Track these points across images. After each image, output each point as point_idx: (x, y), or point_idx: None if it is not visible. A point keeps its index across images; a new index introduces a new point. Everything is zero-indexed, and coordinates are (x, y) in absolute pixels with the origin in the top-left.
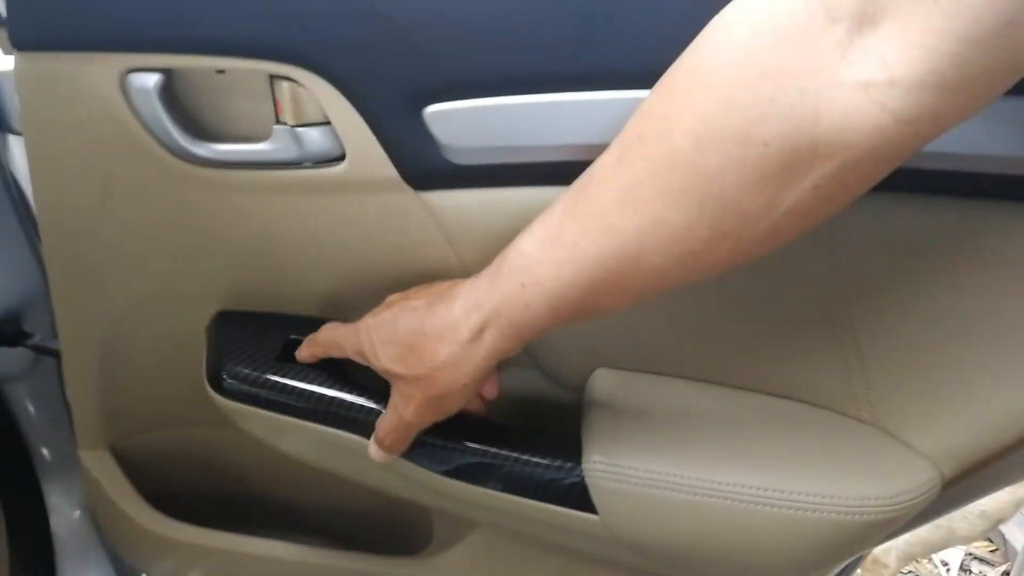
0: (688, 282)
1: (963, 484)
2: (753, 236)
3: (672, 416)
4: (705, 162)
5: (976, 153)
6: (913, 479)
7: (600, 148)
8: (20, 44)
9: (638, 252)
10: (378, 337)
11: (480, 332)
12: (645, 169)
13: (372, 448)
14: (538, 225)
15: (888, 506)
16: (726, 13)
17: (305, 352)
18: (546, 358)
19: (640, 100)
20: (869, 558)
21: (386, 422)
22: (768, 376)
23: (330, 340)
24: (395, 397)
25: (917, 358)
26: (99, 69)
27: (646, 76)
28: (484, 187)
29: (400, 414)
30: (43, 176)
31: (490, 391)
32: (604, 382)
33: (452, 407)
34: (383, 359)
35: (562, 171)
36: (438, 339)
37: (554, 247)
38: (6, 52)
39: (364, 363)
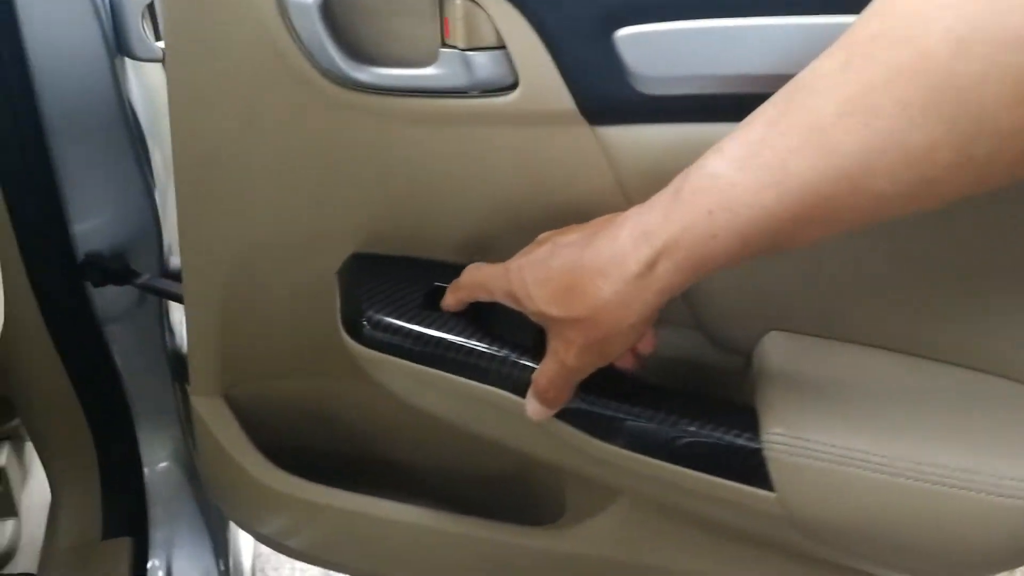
0: (907, 214)
1: None
2: (1004, 161)
3: (859, 387)
4: (964, 69)
5: None
6: None
7: None
8: None
9: (861, 175)
10: (531, 277)
11: (651, 265)
12: (882, 76)
13: (531, 404)
14: (731, 143)
15: None
16: None
17: (450, 299)
18: (709, 317)
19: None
20: None
21: (546, 370)
22: (966, 347)
23: (475, 281)
24: (554, 342)
25: None
26: None
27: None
28: (673, 122)
29: (561, 360)
30: (183, 102)
31: (646, 345)
32: (778, 346)
33: (617, 350)
34: (537, 301)
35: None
36: (600, 274)
37: (754, 168)
38: None
39: (515, 306)
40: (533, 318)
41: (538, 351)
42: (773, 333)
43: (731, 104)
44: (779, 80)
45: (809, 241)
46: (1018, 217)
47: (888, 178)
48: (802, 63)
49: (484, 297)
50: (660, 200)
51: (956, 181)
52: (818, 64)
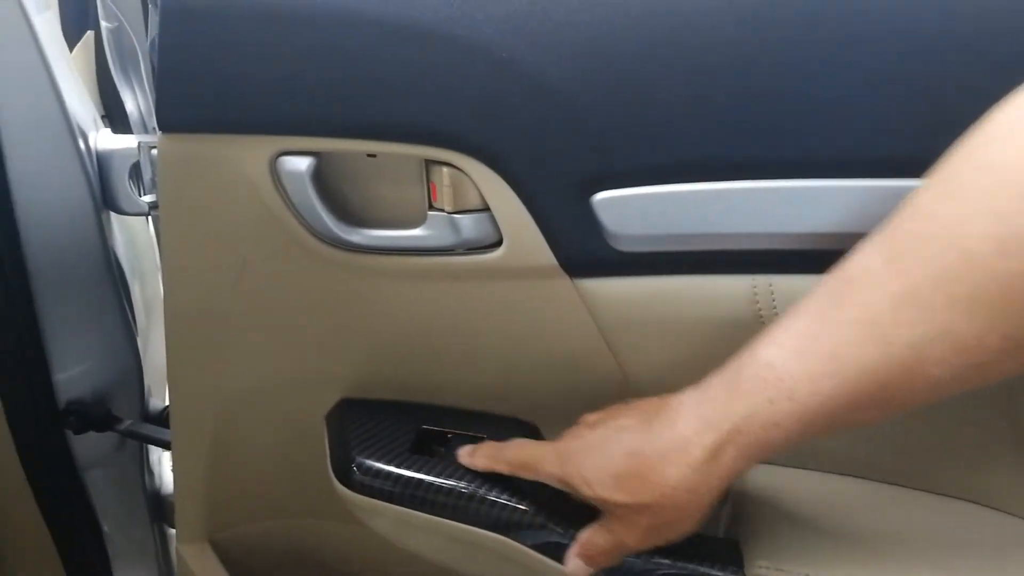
0: (958, 393)
1: None
2: None
3: (833, 515)
4: (1007, 267)
5: None
6: None
7: (775, 237)
8: (166, 126)
9: (915, 363)
10: (588, 463)
11: (716, 452)
12: (928, 274)
13: (573, 563)
14: (784, 333)
15: None
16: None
17: (482, 461)
18: None
19: (826, 188)
20: None
21: (599, 542)
22: (942, 476)
23: (523, 461)
24: (614, 524)
25: None
26: (249, 151)
27: (830, 165)
28: (646, 275)
29: (621, 540)
30: (176, 256)
31: None
32: (754, 478)
33: (682, 532)
34: (597, 488)
35: (732, 260)
36: (664, 461)
37: (809, 358)
38: (114, 131)
39: (567, 490)
40: (591, 502)
41: (529, 490)
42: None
43: (699, 259)
44: (740, 238)
45: (866, 423)
46: None
47: (940, 365)
48: (766, 221)
49: (527, 476)
50: (717, 387)
51: (1004, 363)
52: (860, 259)
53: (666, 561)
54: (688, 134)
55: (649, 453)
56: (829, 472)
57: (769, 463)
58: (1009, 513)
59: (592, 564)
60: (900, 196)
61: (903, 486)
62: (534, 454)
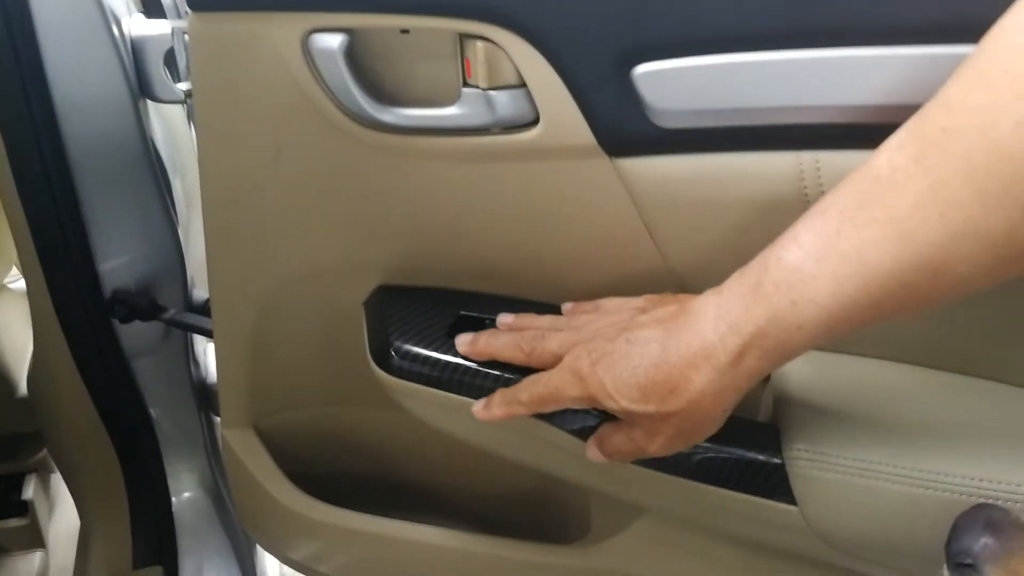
0: (985, 289)
1: None
2: None
3: (877, 400)
4: None
5: None
6: None
7: (822, 110)
8: (197, 4)
9: (941, 262)
10: (612, 376)
11: (740, 355)
12: (956, 168)
13: (592, 451)
14: (807, 233)
15: None
16: None
17: (499, 411)
18: None
19: (872, 57)
20: None
21: (618, 444)
22: (977, 357)
23: (541, 396)
24: (636, 431)
25: None
26: (280, 30)
27: (876, 31)
28: (688, 152)
29: (641, 446)
30: (211, 142)
31: None
32: (797, 363)
33: (703, 437)
34: (623, 400)
35: (777, 135)
36: (690, 367)
37: (832, 260)
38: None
39: (591, 407)
40: (616, 415)
41: None
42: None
43: (743, 135)
44: (791, 111)
45: (890, 320)
46: None
47: (967, 262)
48: (809, 94)
49: (553, 407)
50: (739, 290)
51: None
52: (886, 156)
53: (705, 444)
54: (724, 4)
55: (675, 361)
56: (873, 357)
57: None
58: None
59: (608, 458)
60: (947, 64)
61: (951, 371)
62: (550, 384)
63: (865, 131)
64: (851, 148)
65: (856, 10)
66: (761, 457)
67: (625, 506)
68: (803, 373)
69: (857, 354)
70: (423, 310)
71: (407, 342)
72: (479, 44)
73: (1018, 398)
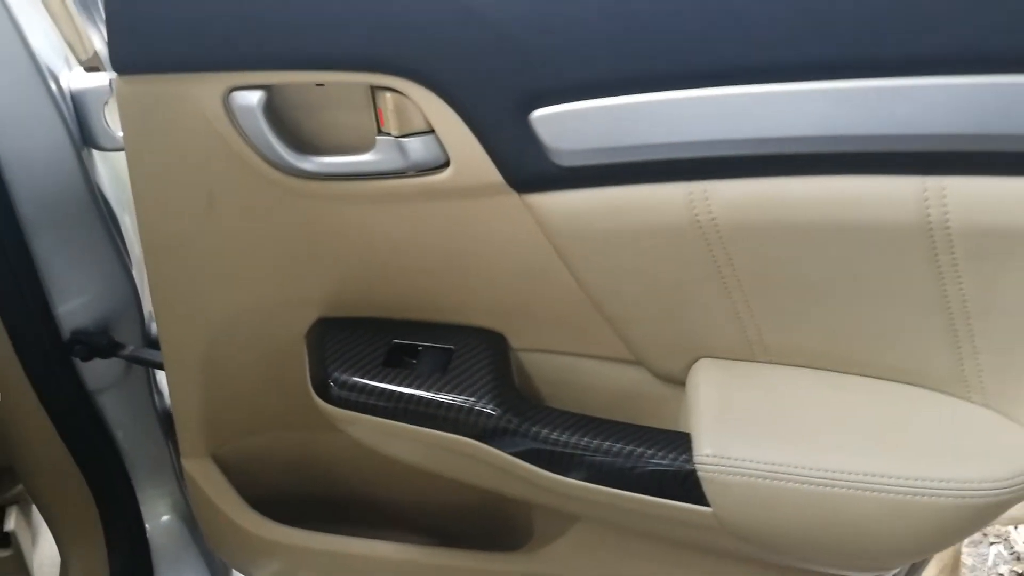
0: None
1: None
2: None
3: (781, 405)
4: None
5: None
6: None
7: (708, 144)
8: (121, 68)
9: None
10: None
11: None
12: None
13: None
14: None
15: (1003, 488)
16: None
17: None
18: (646, 351)
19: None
20: None
21: None
22: (877, 361)
23: None
24: None
25: None
26: (202, 89)
27: (750, 71)
28: (588, 187)
29: None
30: (145, 193)
31: None
32: (707, 373)
33: None
34: None
35: (671, 168)
36: None
37: None
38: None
39: None
40: None
41: (490, 392)
42: (703, 360)
43: (635, 169)
44: (682, 147)
45: None
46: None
47: None
48: (697, 129)
49: None
50: None
51: None
52: None
53: (625, 451)
54: (611, 51)
55: None
56: (776, 364)
57: (717, 357)
58: (944, 392)
59: None
60: (826, 97)
61: (846, 373)
62: None
63: (748, 161)
64: (736, 177)
65: (725, 54)
66: (674, 464)
67: (561, 514)
68: (713, 382)
69: (764, 362)
70: (359, 340)
71: (345, 372)
72: (388, 95)
73: (910, 395)
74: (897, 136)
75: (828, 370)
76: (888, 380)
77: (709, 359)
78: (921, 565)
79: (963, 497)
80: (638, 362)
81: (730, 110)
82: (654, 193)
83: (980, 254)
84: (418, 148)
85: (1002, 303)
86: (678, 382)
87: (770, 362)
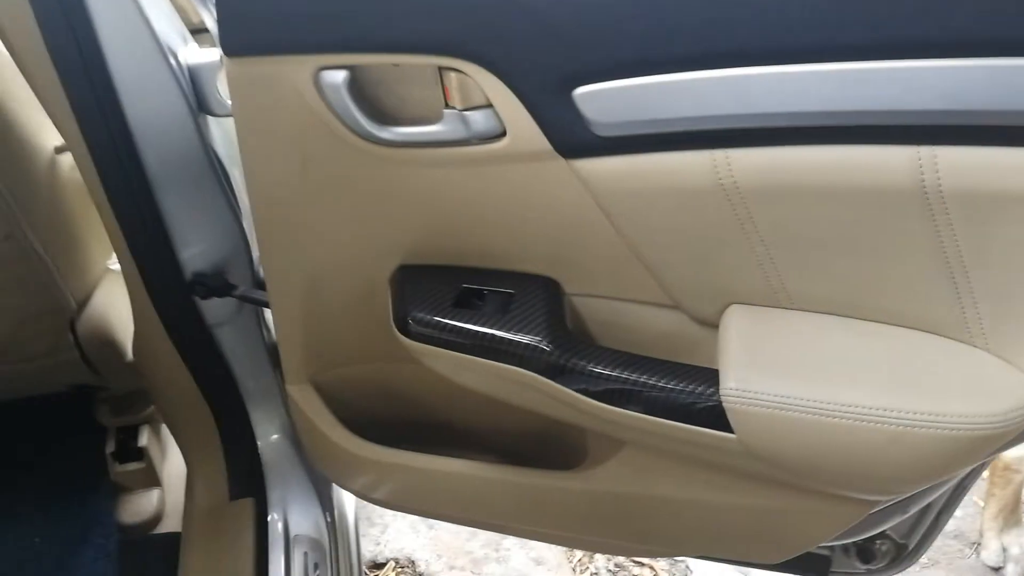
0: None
1: None
2: None
3: (799, 346)
4: None
5: None
6: (1016, 398)
7: (732, 118)
8: (229, 51)
9: None
10: None
11: None
12: None
13: None
14: None
15: (993, 423)
16: None
17: None
18: (682, 297)
19: (764, 75)
20: (1000, 464)
21: None
22: (887, 308)
23: None
24: None
25: None
26: (295, 69)
27: (763, 54)
28: (625, 154)
29: None
30: (252, 158)
31: None
32: (736, 317)
33: None
34: None
35: (696, 138)
36: None
37: None
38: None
39: None
40: None
41: (548, 330)
42: (733, 306)
43: (664, 139)
44: (706, 120)
45: None
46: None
47: None
48: (719, 105)
49: None
50: None
51: None
52: None
53: (658, 385)
54: (640, 36)
55: None
56: (799, 310)
57: (746, 303)
58: (947, 336)
59: None
60: (830, 78)
61: (861, 319)
62: None
63: (767, 132)
64: (755, 146)
65: (745, 38)
66: (704, 396)
67: (611, 439)
68: (740, 325)
69: (788, 308)
70: (434, 284)
71: (421, 312)
72: (453, 75)
73: (920, 340)
74: (892, 111)
75: (845, 316)
76: (898, 326)
77: (739, 305)
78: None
79: (958, 429)
80: (676, 307)
81: (747, 88)
82: (682, 160)
83: (971, 215)
84: (479, 120)
85: (996, 258)
86: (712, 325)
87: (793, 308)
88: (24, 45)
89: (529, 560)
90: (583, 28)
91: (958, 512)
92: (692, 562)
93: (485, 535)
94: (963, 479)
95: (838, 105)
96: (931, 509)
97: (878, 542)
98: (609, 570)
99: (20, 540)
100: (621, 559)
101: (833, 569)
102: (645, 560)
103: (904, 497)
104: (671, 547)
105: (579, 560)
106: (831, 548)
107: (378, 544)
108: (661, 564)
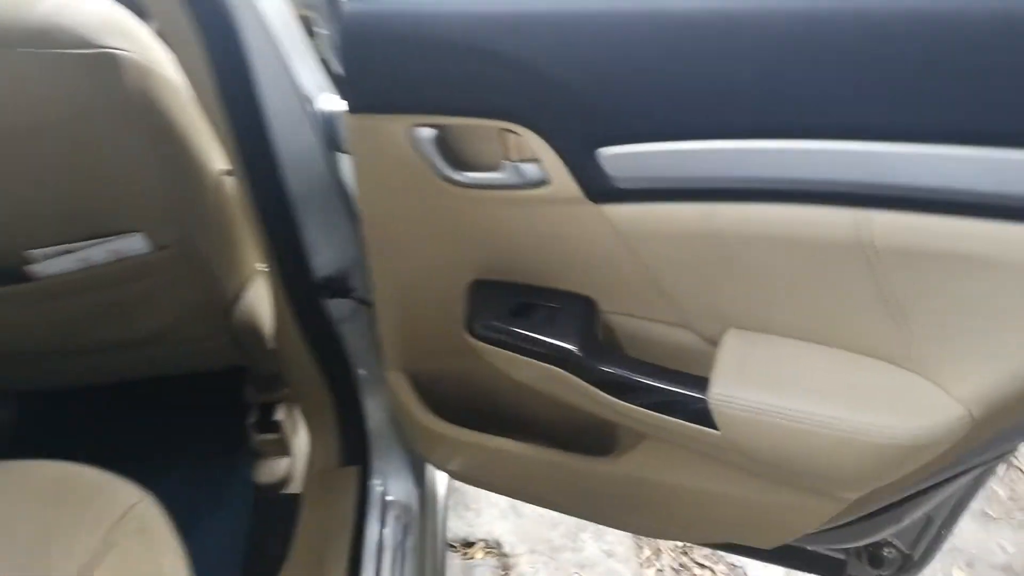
0: None
1: (999, 425)
2: None
3: (774, 364)
4: None
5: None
6: (942, 415)
7: (715, 179)
8: (353, 109)
9: None
10: None
11: None
12: None
13: None
14: None
15: (919, 435)
16: None
17: None
18: (692, 319)
19: (747, 147)
20: None
21: None
22: (845, 339)
23: None
24: None
25: (956, 320)
26: (397, 124)
27: (743, 128)
28: (637, 202)
29: None
30: (364, 190)
31: None
32: (731, 338)
33: None
34: None
35: (691, 192)
36: None
37: None
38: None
39: None
40: None
41: (578, 335)
42: (731, 329)
43: (666, 192)
44: (703, 180)
45: None
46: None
47: None
48: (712, 168)
49: None
50: None
51: None
52: None
53: (655, 383)
54: (646, 115)
55: None
56: (780, 335)
57: (746, 329)
58: (890, 362)
59: None
60: (786, 153)
61: (834, 346)
62: None
63: (744, 193)
64: (735, 201)
65: (724, 116)
66: (696, 399)
67: (636, 431)
68: (732, 345)
69: (772, 334)
70: (497, 297)
71: (485, 318)
72: (511, 135)
73: (870, 365)
74: (835, 181)
75: (815, 343)
76: (854, 352)
77: (736, 329)
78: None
79: (889, 438)
80: (687, 327)
81: (728, 156)
82: (680, 209)
83: (900, 267)
84: (529, 171)
85: (924, 303)
86: (715, 343)
87: (776, 335)
88: (204, 91)
89: (601, 552)
90: (604, 106)
91: (1010, 548)
92: (748, 566)
93: (565, 526)
94: (961, 497)
95: (798, 173)
96: (933, 523)
97: (886, 549)
98: (673, 568)
99: (174, 494)
100: (686, 560)
101: (848, 572)
102: (707, 563)
103: (891, 503)
104: (681, 531)
105: (646, 557)
106: (846, 552)
107: (471, 526)
108: (720, 568)
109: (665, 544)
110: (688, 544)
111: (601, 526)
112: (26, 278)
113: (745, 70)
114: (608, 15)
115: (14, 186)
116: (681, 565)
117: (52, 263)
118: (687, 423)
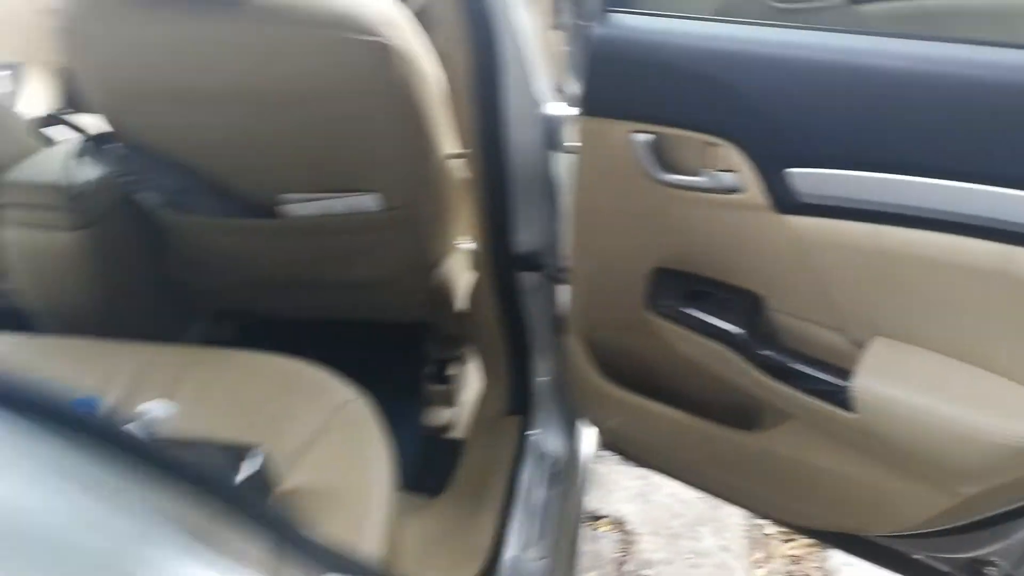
0: None
1: None
2: None
3: (911, 366)
4: None
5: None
6: None
7: (889, 205)
8: (588, 112)
9: None
10: None
11: None
12: None
13: None
14: None
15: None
16: None
17: None
18: (846, 325)
19: (922, 184)
20: None
21: None
22: (976, 355)
23: None
24: None
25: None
26: (617, 129)
27: (924, 168)
28: (815, 216)
29: None
30: (583, 181)
31: None
32: (876, 344)
33: None
34: None
35: (861, 214)
36: None
37: None
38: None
39: None
40: None
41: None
42: (878, 337)
43: (839, 211)
44: (872, 203)
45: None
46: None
47: None
48: (868, 195)
49: None
50: None
51: None
52: None
53: (806, 370)
54: (824, 144)
55: None
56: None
57: (892, 337)
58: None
59: None
60: (950, 190)
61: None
62: None
63: (910, 220)
64: (901, 226)
65: (887, 152)
66: (839, 385)
67: (781, 411)
68: (876, 351)
69: (911, 344)
70: (677, 283)
71: (664, 299)
72: (715, 148)
73: (988, 378)
74: (990, 218)
75: (951, 356)
76: (982, 368)
77: (882, 337)
78: None
79: (1010, 438)
80: (841, 330)
81: (900, 187)
82: (851, 227)
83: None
84: (727, 179)
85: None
86: (860, 346)
87: (914, 345)
88: (458, 85)
89: (717, 546)
90: (799, 134)
91: None
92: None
93: (688, 515)
94: None
95: (959, 208)
96: None
97: (987, 568)
98: (782, 575)
99: None
100: (794, 568)
101: None
102: (816, 574)
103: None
104: (809, 512)
105: (758, 558)
106: (951, 564)
107: (601, 503)
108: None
109: (778, 550)
110: (799, 557)
111: (721, 523)
112: (276, 216)
113: (918, 121)
114: (813, 63)
115: (280, 141)
116: (789, 573)
117: (299, 207)
118: (831, 406)
